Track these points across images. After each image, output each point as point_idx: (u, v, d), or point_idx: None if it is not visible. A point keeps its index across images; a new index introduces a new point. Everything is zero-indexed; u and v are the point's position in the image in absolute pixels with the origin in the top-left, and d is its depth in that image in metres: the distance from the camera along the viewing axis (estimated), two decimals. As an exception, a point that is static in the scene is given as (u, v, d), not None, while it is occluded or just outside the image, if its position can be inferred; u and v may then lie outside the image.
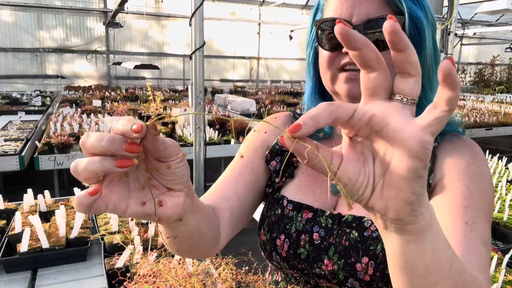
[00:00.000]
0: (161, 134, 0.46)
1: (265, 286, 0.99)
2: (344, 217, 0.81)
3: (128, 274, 1.13)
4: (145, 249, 1.38)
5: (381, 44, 0.73)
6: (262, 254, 0.93)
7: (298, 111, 1.02)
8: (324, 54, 0.79)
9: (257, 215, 1.00)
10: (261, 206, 0.97)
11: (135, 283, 1.01)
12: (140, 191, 0.50)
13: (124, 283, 1.05)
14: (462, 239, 0.64)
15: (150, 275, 1.00)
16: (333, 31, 0.71)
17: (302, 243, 0.83)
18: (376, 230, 0.76)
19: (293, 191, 0.89)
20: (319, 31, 0.79)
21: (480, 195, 0.71)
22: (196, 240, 0.68)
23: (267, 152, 0.93)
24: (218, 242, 0.80)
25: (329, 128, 0.90)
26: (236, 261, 1.10)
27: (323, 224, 0.82)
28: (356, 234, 0.78)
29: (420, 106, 0.77)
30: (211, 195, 0.86)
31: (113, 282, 1.16)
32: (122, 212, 0.49)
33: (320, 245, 0.81)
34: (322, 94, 0.90)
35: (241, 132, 4.24)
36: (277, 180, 0.92)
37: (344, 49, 0.74)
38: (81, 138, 0.45)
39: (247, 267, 1.08)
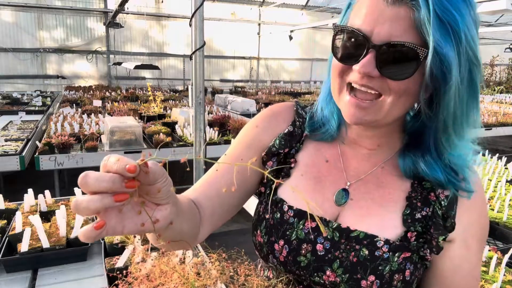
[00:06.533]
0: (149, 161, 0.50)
1: (259, 275, 0.99)
2: (353, 233, 0.79)
3: (131, 274, 1.13)
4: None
5: (392, 75, 0.68)
6: (257, 254, 0.92)
7: (302, 104, 0.97)
8: (335, 62, 0.75)
9: (248, 209, 0.99)
10: (255, 201, 0.97)
11: (140, 280, 1.02)
12: (132, 211, 0.55)
13: (128, 278, 1.06)
14: None
15: (153, 271, 1.01)
16: (348, 41, 0.70)
17: (303, 251, 0.81)
18: (388, 251, 0.76)
19: (292, 195, 0.87)
20: (336, 36, 0.73)
21: (480, 249, 0.82)
22: (178, 238, 0.73)
23: (263, 154, 0.91)
24: (196, 237, 0.83)
25: (335, 131, 0.87)
26: (226, 255, 1.11)
27: (328, 236, 0.81)
28: (367, 252, 0.77)
29: (447, 144, 0.75)
30: (195, 190, 0.87)
31: (117, 274, 1.16)
32: (120, 233, 0.55)
33: (324, 257, 0.80)
34: None
35: (240, 130, 4.23)
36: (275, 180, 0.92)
37: (355, 66, 0.70)
38: (80, 178, 0.49)
39: (239, 260, 1.08)
